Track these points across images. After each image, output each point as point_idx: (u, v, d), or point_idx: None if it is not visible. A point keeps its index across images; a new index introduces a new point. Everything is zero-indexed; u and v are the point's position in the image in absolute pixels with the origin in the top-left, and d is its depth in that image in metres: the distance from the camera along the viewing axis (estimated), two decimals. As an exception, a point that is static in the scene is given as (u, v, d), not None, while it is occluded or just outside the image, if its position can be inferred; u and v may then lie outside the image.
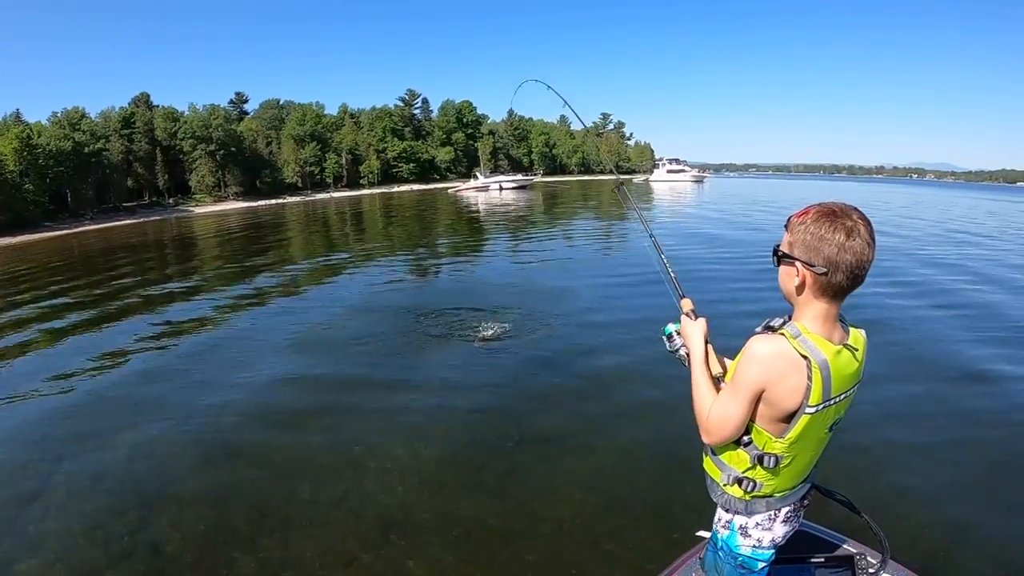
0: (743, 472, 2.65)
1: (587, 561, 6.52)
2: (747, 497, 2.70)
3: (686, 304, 3.03)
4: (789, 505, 2.79)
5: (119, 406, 11.55)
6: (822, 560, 3.38)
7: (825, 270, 2.34)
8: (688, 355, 2.89)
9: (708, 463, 2.84)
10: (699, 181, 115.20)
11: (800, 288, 2.46)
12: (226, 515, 7.81)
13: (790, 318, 2.56)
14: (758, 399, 2.48)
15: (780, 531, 2.82)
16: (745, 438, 2.58)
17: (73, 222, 70.74)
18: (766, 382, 2.43)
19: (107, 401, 11.93)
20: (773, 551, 2.86)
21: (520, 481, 8.22)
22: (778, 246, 2.54)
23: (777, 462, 2.56)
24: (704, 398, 2.64)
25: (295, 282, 24.79)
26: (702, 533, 3.73)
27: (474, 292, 19.40)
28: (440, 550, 6.85)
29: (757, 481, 2.64)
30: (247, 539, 7.27)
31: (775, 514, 2.76)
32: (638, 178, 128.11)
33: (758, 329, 2.59)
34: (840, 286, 2.38)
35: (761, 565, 2.86)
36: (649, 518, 7.14)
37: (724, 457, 2.70)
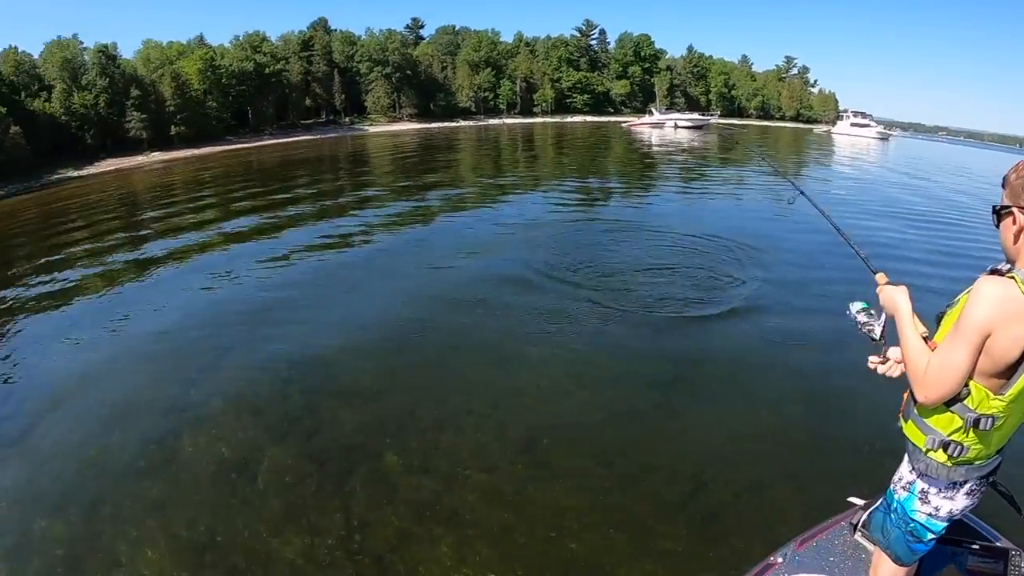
0: (950, 435, 2.61)
1: (725, 508, 6.41)
2: (950, 463, 2.66)
3: (881, 278, 2.99)
4: (978, 478, 2.73)
5: (284, 305, 12.44)
6: (976, 548, 3.39)
7: None
8: (877, 331, 2.96)
9: (910, 428, 2.79)
10: (884, 138, 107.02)
11: (1017, 236, 2.40)
12: (380, 411, 8.27)
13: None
14: (980, 348, 2.39)
15: (960, 504, 2.77)
16: (961, 395, 2.49)
17: (253, 137, 75.39)
18: (993, 326, 2.33)
19: (275, 299, 12.85)
20: (946, 524, 2.83)
21: (671, 419, 8.16)
22: (995, 205, 2.53)
23: (993, 423, 2.49)
24: (918, 355, 2.56)
25: (463, 200, 25.41)
26: (854, 500, 3.99)
27: (640, 228, 19.12)
28: (579, 473, 6.94)
29: (965, 445, 2.60)
30: (396, 436, 7.66)
31: (962, 485, 2.73)
32: (819, 128, 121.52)
33: (984, 273, 2.47)
34: None
35: (930, 536, 2.85)
36: (797, 479, 6.91)
37: (931, 420, 2.66)
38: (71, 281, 15.79)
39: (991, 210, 2.54)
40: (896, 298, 2.78)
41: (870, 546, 3.64)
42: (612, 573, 5.53)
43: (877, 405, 6.48)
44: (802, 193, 4.38)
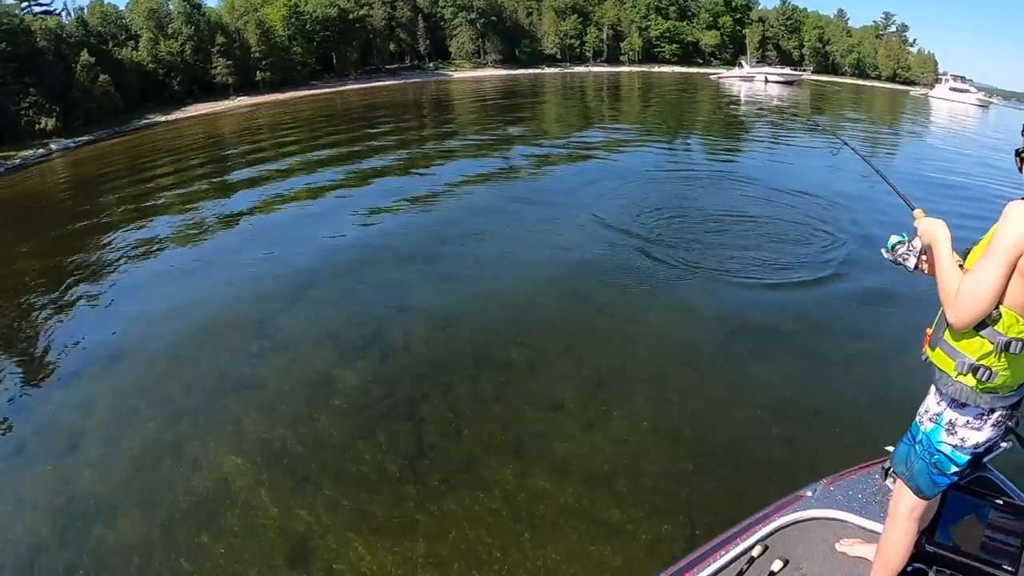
0: (978, 359, 2.64)
1: (774, 449, 6.57)
2: (979, 387, 2.69)
3: (919, 214, 3.05)
4: (1003, 409, 2.77)
5: (363, 245, 12.89)
6: (1000, 503, 3.37)
7: None
8: (912, 261, 3.04)
9: (938, 355, 2.83)
10: (984, 106, 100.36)
11: None
12: (454, 344, 8.57)
13: None
14: (1013, 268, 2.44)
15: (986, 435, 2.81)
16: (991, 318, 2.54)
17: (337, 82, 76.60)
18: None
19: (356, 242, 13.31)
20: (971, 457, 2.87)
21: (730, 369, 8.18)
22: (1017, 148, 2.61)
23: (1022, 347, 2.53)
24: (951, 277, 2.62)
25: (547, 148, 25.44)
26: (890, 448, 3.77)
27: (729, 187, 18.60)
28: (641, 413, 7.10)
29: (993, 370, 2.63)
30: (469, 369, 7.94)
31: (989, 415, 2.76)
32: (916, 91, 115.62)
33: (1013, 201, 2.51)
34: None
35: (954, 469, 2.88)
36: (838, 426, 7.00)
37: (960, 345, 2.70)
38: (159, 220, 16.56)
39: (1014, 153, 2.62)
40: (935, 228, 2.84)
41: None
42: (673, 500, 5.76)
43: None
44: (846, 144, 4.50)
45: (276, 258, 12.62)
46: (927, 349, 2.89)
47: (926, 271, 3.01)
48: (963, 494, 3.36)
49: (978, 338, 2.62)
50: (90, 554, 5.41)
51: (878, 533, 3.45)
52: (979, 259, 2.55)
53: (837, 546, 3.67)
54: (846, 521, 3.79)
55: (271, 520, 5.64)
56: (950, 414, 2.82)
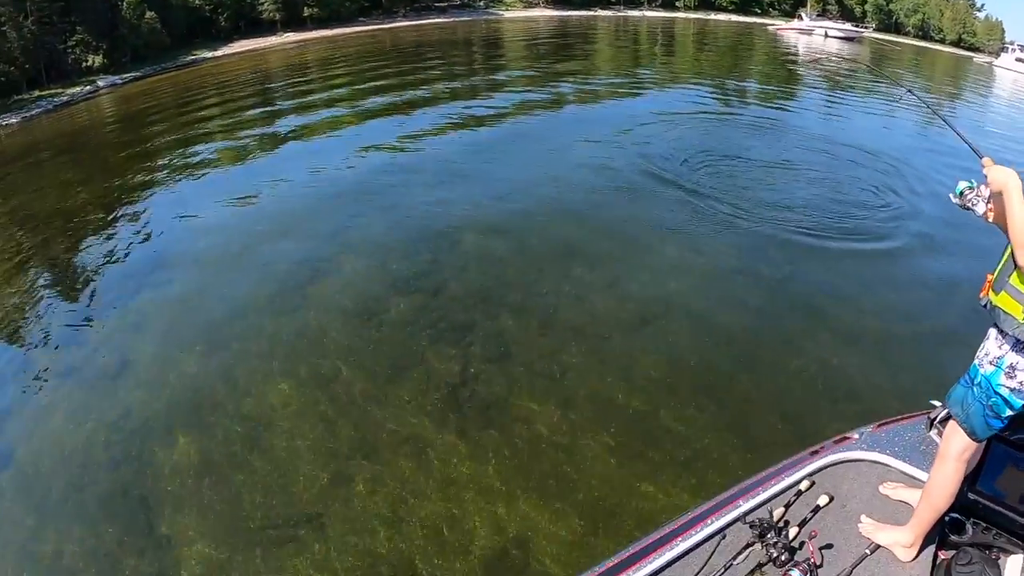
0: None
1: (819, 406, 6.53)
2: None
3: (988, 162, 3.14)
4: None
5: (412, 179, 12.71)
6: None
7: None
8: (982, 207, 3.16)
9: (1004, 299, 2.94)
10: None
11: None
12: (504, 277, 8.61)
13: None
14: None
15: None
16: None
17: (386, 18, 75.69)
18: None
19: (403, 173, 13.16)
20: None
21: (777, 319, 8.09)
22: None
23: None
24: None
25: (597, 90, 24.96)
26: (934, 402, 4.26)
27: (780, 137, 18.13)
28: (687, 348, 7.12)
29: None
30: (517, 300, 7.97)
31: None
32: (980, 58, 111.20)
33: None
34: None
35: (1008, 412, 2.99)
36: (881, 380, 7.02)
37: None
38: (206, 151, 16.66)
39: None
40: (1007, 176, 2.89)
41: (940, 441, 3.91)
42: (718, 443, 5.84)
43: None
44: (910, 91, 4.83)
45: (328, 178, 12.78)
46: (989, 294, 3.01)
47: (990, 219, 3.11)
48: (1008, 447, 3.60)
49: None
50: (143, 473, 5.55)
51: (920, 480, 3.74)
52: None
53: (881, 488, 3.83)
54: (890, 466, 3.97)
55: (317, 442, 5.75)
56: (1012, 357, 2.93)
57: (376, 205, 11.05)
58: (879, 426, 4.35)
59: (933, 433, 4.20)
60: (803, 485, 3.67)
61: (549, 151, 14.62)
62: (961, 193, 3.24)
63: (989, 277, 3.07)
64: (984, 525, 3.52)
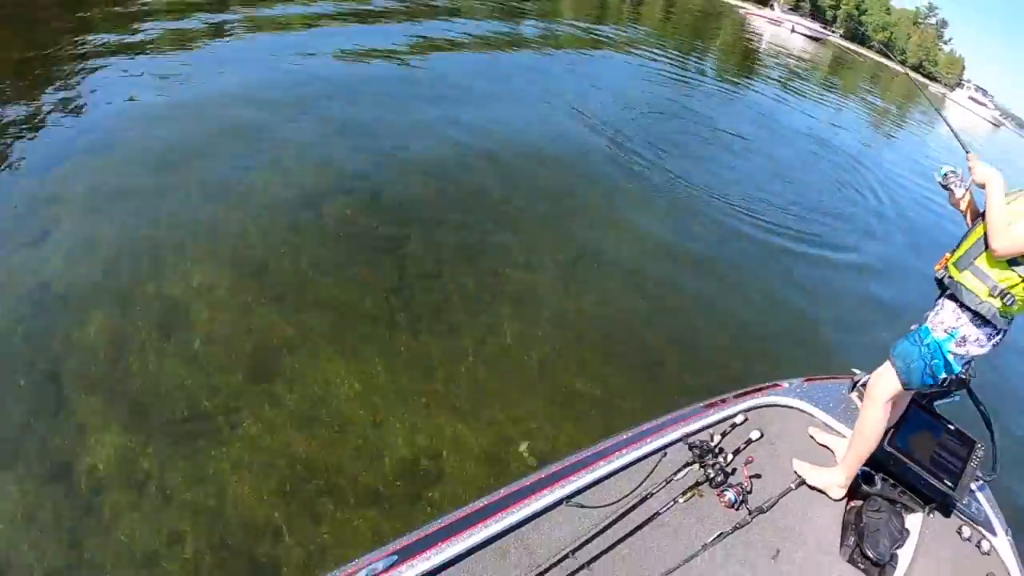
0: (1008, 287, 3.35)
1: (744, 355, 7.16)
2: (1003, 309, 3.39)
3: (973, 157, 3.74)
4: (1001, 333, 3.50)
5: (351, 91, 12.22)
6: (952, 428, 4.20)
7: None
8: (960, 191, 3.81)
9: (967, 277, 3.49)
10: (996, 125, 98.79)
11: None
12: (445, 188, 8.79)
13: None
14: None
15: (983, 352, 3.54)
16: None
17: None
18: None
19: (353, 82, 12.75)
20: (959, 371, 3.57)
21: (705, 278, 8.70)
22: None
23: None
24: (1003, 212, 3.33)
25: (556, 41, 24.57)
26: (856, 370, 4.98)
27: (730, 108, 18.81)
28: (616, 296, 7.50)
29: (1016, 297, 3.36)
30: (458, 216, 8.20)
31: (995, 336, 3.49)
32: (936, 88, 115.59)
33: None
34: None
35: (943, 375, 3.57)
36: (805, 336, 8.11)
37: (994, 272, 3.40)
38: (149, 31, 15.76)
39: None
40: (993, 173, 3.50)
41: (860, 403, 4.60)
42: (643, 379, 6.20)
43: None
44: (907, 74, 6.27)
45: (280, 73, 12.23)
46: (949, 269, 3.59)
47: (962, 207, 3.82)
48: (924, 413, 4.20)
49: (1010, 270, 3.35)
50: (54, 348, 5.31)
51: (840, 432, 4.37)
52: None
53: (808, 429, 4.38)
54: (815, 415, 4.51)
55: (238, 334, 5.65)
56: (967, 329, 3.47)
57: (326, 103, 10.82)
58: (808, 380, 4.87)
59: (854, 395, 4.79)
60: (738, 419, 4.08)
61: (504, 90, 14.51)
62: (945, 175, 3.83)
63: (948, 256, 3.64)
64: (892, 482, 4.02)
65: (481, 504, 3.11)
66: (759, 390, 4.53)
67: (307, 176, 8.23)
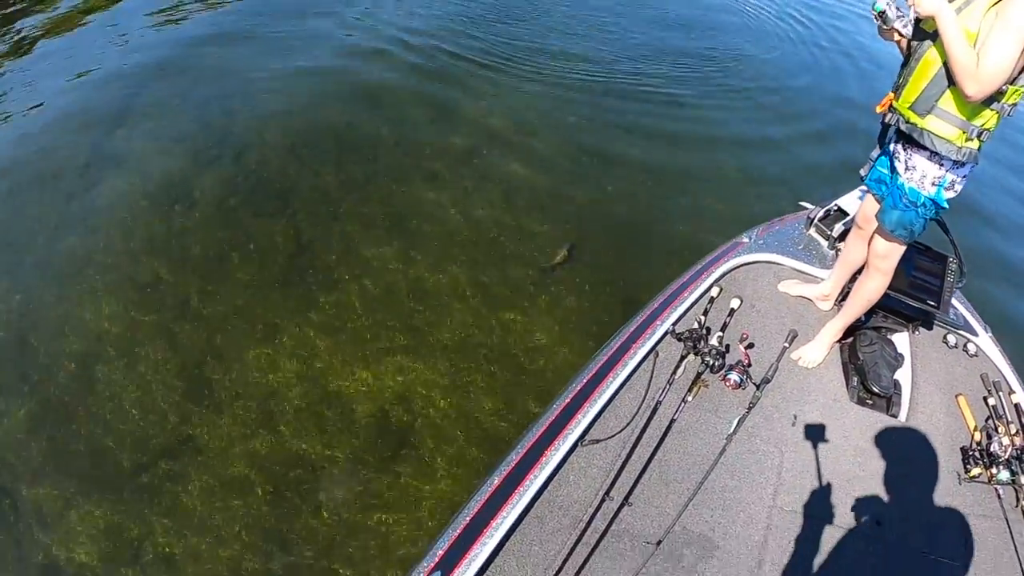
0: (982, 126, 3.24)
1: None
2: (979, 147, 3.33)
3: None
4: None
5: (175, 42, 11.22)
6: (922, 248, 4.47)
7: None
8: (905, 24, 3.34)
9: (933, 122, 3.32)
10: None
11: None
12: (311, 130, 8.15)
13: None
14: None
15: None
16: (1000, 90, 3.06)
17: None
18: None
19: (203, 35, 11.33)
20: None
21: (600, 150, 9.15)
22: None
23: (1011, 110, 3.19)
24: (967, 51, 3.00)
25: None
26: (804, 203, 5.17)
27: None
28: (521, 183, 7.52)
29: (990, 132, 3.28)
30: (332, 153, 7.75)
31: (974, 166, 3.45)
32: None
33: None
34: None
35: (935, 212, 3.62)
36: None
37: (966, 114, 3.22)
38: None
39: None
40: (940, 4, 3.07)
41: (821, 240, 4.92)
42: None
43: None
44: None
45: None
46: (904, 112, 3.41)
47: (897, 40, 3.44)
48: None
49: (986, 109, 3.18)
50: None
51: (810, 275, 4.60)
52: (998, 39, 2.93)
53: (779, 286, 4.53)
54: (782, 264, 4.68)
55: (160, 359, 5.33)
56: (952, 175, 3.47)
57: (151, 79, 9.42)
58: (764, 229, 5.00)
59: (812, 231, 4.99)
60: (713, 292, 4.13)
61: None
62: (881, 12, 3.39)
63: (891, 96, 3.49)
64: (882, 314, 4.30)
65: (496, 483, 3.05)
66: (723, 255, 4.61)
67: (165, 162, 7.47)
